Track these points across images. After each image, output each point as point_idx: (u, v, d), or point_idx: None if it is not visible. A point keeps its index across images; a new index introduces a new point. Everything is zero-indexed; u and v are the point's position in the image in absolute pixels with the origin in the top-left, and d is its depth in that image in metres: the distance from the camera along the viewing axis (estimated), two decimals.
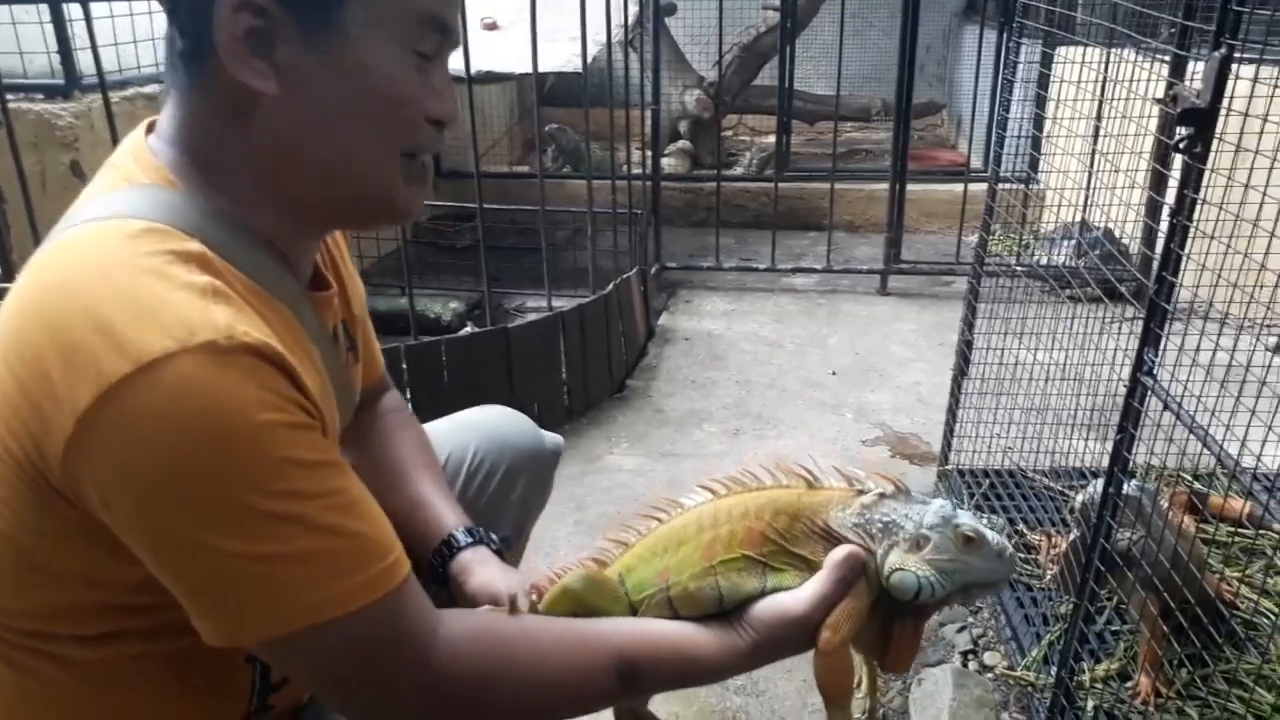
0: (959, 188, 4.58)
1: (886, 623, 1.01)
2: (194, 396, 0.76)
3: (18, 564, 0.86)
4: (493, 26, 3.81)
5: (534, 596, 1.06)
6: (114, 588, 0.85)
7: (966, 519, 0.97)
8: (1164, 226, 1.34)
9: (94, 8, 2.51)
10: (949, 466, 2.53)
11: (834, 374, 3.53)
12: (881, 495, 1.01)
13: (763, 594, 1.01)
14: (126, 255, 0.82)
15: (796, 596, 0.98)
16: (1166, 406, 1.29)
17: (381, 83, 0.89)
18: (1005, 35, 4.66)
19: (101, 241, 0.84)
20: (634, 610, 1.05)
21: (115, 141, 2.46)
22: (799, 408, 3.28)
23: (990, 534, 0.97)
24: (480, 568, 1.16)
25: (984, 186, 3.52)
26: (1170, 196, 1.33)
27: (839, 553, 0.97)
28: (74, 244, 0.85)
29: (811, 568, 0.99)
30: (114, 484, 0.78)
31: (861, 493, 1.02)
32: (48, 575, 0.86)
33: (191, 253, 0.83)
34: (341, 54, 0.87)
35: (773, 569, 1.01)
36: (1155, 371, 1.32)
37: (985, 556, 0.96)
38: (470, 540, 1.20)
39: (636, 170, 4.23)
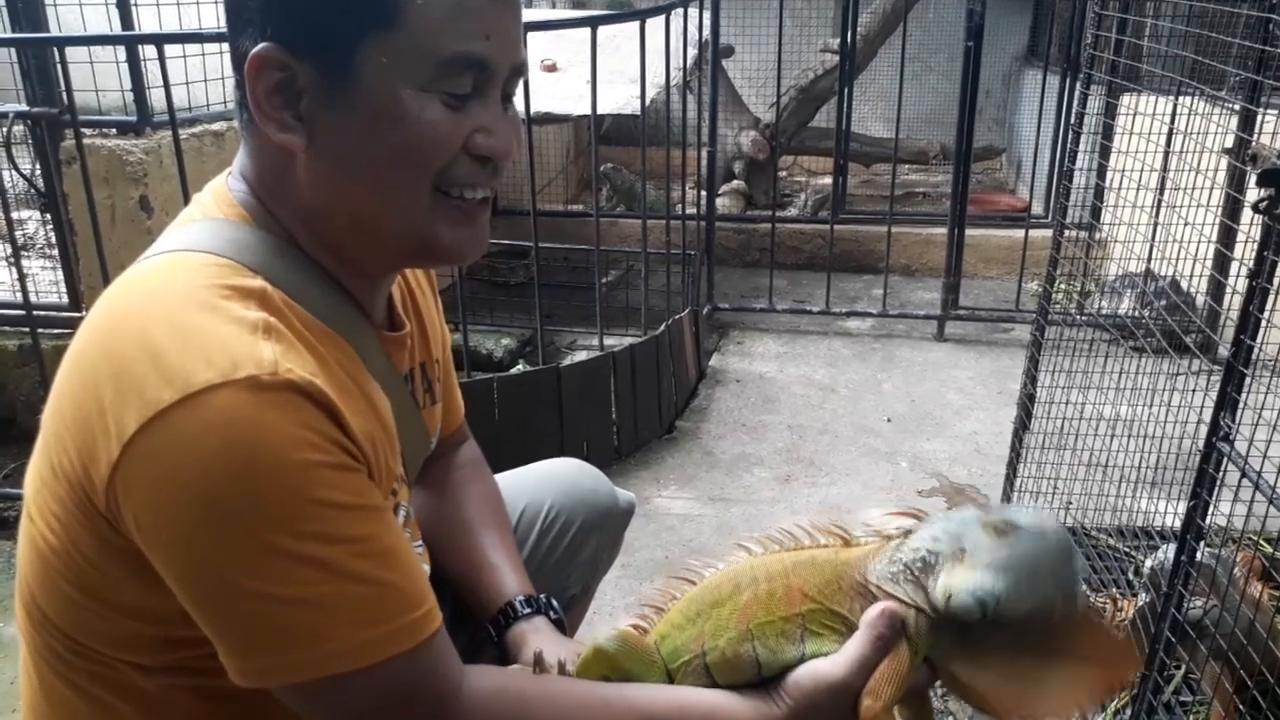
0: (1018, 233, 4.51)
1: (1031, 667, 0.92)
2: (229, 429, 0.76)
3: (72, 584, 0.87)
4: (552, 68, 3.86)
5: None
6: (165, 620, 0.85)
7: (994, 512, 0.92)
8: (1240, 286, 1.30)
9: (167, 48, 2.58)
10: None
11: (889, 421, 3.47)
12: (906, 533, 0.96)
13: (801, 661, 0.96)
14: (185, 288, 0.83)
15: (834, 661, 0.94)
16: (1244, 475, 1.24)
17: (400, 130, 0.87)
18: (1068, 81, 4.61)
19: (165, 273, 0.87)
20: (670, 678, 1.02)
21: (183, 177, 2.55)
22: (852, 455, 3.22)
23: (1022, 515, 0.91)
24: (534, 638, 1.14)
25: (1044, 232, 3.45)
26: (1240, 253, 1.29)
27: (873, 610, 0.93)
28: (141, 275, 0.88)
29: (852, 629, 0.95)
30: (147, 510, 0.78)
31: (889, 539, 0.97)
32: (102, 604, 0.87)
33: (251, 288, 0.85)
34: (361, 102, 0.86)
35: (812, 633, 0.97)
36: (1233, 438, 1.27)
37: (1028, 539, 0.89)
38: (529, 610, 1.18)
39: (690, 210, 4.23)
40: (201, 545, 0.78)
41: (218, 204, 0.94)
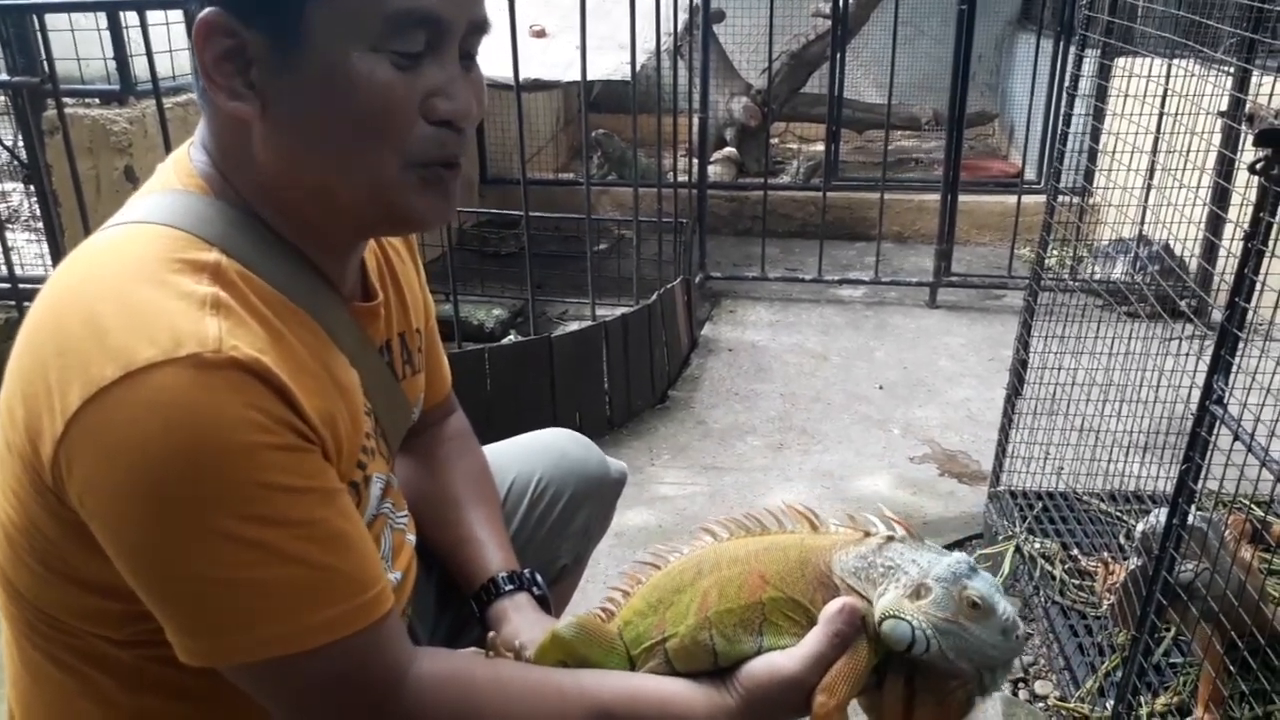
0: (1011, 199, 4.50)
1: (909, 697, 0.92)
2: (170, 409, 0.74)
3: (36, 560, 0.86)
4: (541, 34, 3.81)
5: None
6: (124, 596, 0.83)
7: (979, 584, 0.88)
8: (1235, 249, 1.29)
9: (149, 15, 2.54)
10: (1000, 488, 2.47)
11: (881, 388, 3.47)
12: (890, 538, 0.94)
13: (759, 653, 0.95)
14: (136, 261, 0.82)
15: (790, 655, 0.92)
16: (1237, 438, 1.24)
17: (351, 94, 0.83)
18: (1063, 45, 4.57)
19: (117, 247, 0.85)
20: (632, 664, 1.00)
21: (168, 147, 2.52)
22: (844, 422, 3.22)
23: (1001, 605, 0.88)
24: (515, 615, 1.14)
25: (1037, 198, 3.43)
26: (1235, 215, 1.28)
27: (834, 605, 0.91)
28: (95, 247, 0.86)
29: (812, 620, 0.93)
30: (89, 489, 0.77)
31: (868, 534, 0.95)
32: (65, 579, 0.86)
33: (204, 261, 0.82)
34: (310, 66, 0.83)
35: (770, 624, 0.95)
36: (1225, 401, 1.27)
37: (990, 629, 0.87)
38: (511, 587, 1.17)
39: (682, 178, 4.20)
40: (143, 527, 0.76)
41: (178, 175, 0.91)
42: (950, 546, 0.93)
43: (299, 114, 0.85)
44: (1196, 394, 1.40)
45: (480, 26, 0.90)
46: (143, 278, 0.80)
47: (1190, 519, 1.49)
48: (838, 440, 3.10)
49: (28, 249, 3.28)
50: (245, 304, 0.82)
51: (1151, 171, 2.26)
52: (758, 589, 0.96)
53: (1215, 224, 2.51)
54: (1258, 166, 1.19)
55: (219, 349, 0.76)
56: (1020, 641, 0.90)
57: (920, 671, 0.91)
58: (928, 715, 0.92)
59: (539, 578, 1.21)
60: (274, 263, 0.88)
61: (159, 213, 0.86)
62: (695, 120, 4.28)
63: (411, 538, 1.16)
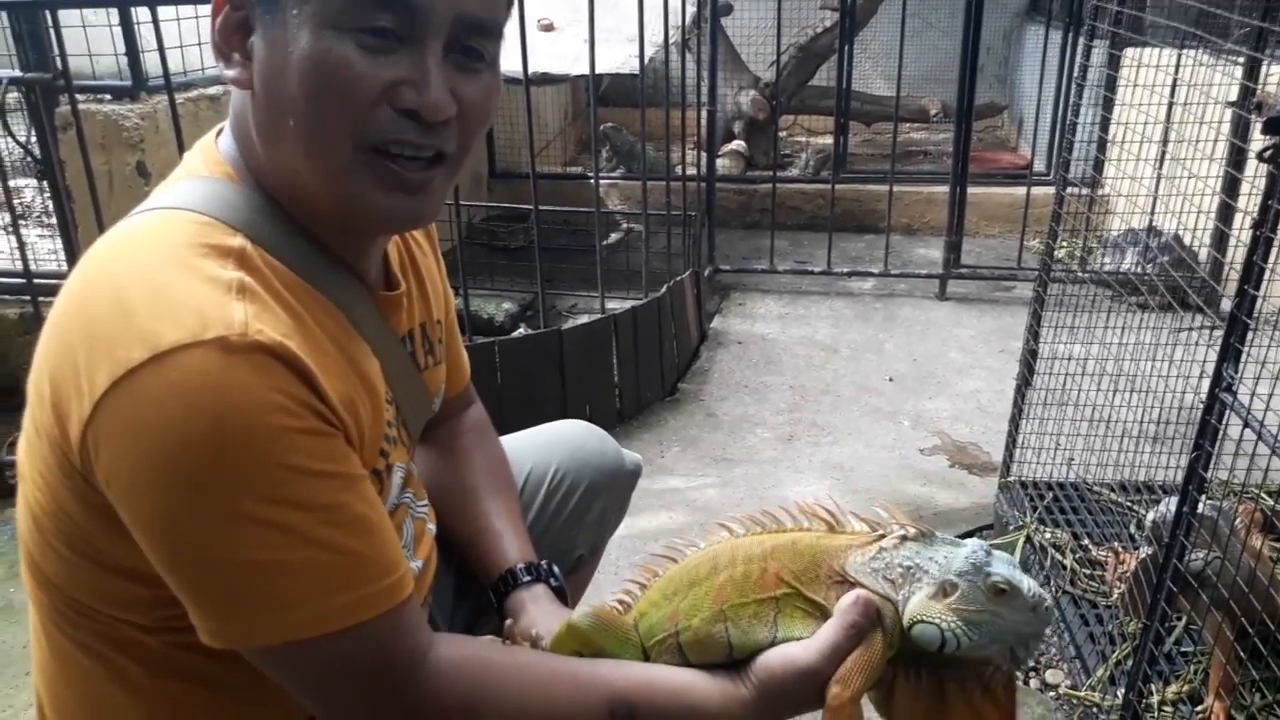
0: (1020, 191, 4.49)
1: (938, 690, 0.93)
2: (196, 391, 0.75)
3: (64, 544, 0.87)
4: (549, 27, 3.82)
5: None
6: (151, 580, 0.84)
7: (1000, 568, 0.90)
8: (1245, 238, 1.29)
9: (161, 11, 2.55)
10: (1010, 479, 2.47)
11: (891, 380, 3.48)
12: (903, 538, 0.95)
13: (773, 644, 0.96)
14: (163, 246, 0.82)
15: (805, 646, 0.94)
16: (1247, 425, 1.24)
17: (307, 67, 0.81)
18: (1071, 36, 4.56)
19: (144, 232, 0.86)
20: (646, 655, 1.02)
21: (180, 142, 2.53)
22: (854, 414, 3.23)
23: (1025, 583, 0.90)
24: (532, 606, 1.15)
25: (1046, 189, 3.43)
26: (1245, 204, 1.29)
27: (849, 598, 0.92)
28: (122, 233, 0.87)
29: (826, 616, 0.95)
30: (115, 470, 0.78)
31: (883, 536, 0.96)
32: (92, 563, 0.87)
33: (230, 247, 0.83)
34: (280, 39, 0.83)
35: (785, 616, 0.96)
36: (1235, 389, 1.27)
37: (1018, 609, 0.89)
38: (529, 578, 1.18)
39: (690, 171, 4.20)
40: (168, 508, 0.77)
41: (205, 162, 0.92)
42: (961, 537, 0.94)
43: (268, 87, 0.85)
44: (1206, 383, 1.40)
45: (478, 26, 0.87)
46: (169, 262, 0.81)
47: (1201, 507, 1.49)
48: (848, 432, 3.11)
49: (40, 244, 3.30)
50: (270, 289, 0.83)
51: (1161, 161, 2.26)
52: (773, 584, 0.97)
53: (1225, 213, 2.51)
54: (1267, 154, 1.19)
55: (244, 332, 0.77)
56: (1049, 612, 0.91)
57: (952, 666, 0.92)
58: (962, 708, 0.92)
59: (556, 569, 1.22)
60: (297, 250, 0.89)
61: (186, 199, 0.87)
62: (703, 113, 4.28)
63: (432, 527, 1.17)
